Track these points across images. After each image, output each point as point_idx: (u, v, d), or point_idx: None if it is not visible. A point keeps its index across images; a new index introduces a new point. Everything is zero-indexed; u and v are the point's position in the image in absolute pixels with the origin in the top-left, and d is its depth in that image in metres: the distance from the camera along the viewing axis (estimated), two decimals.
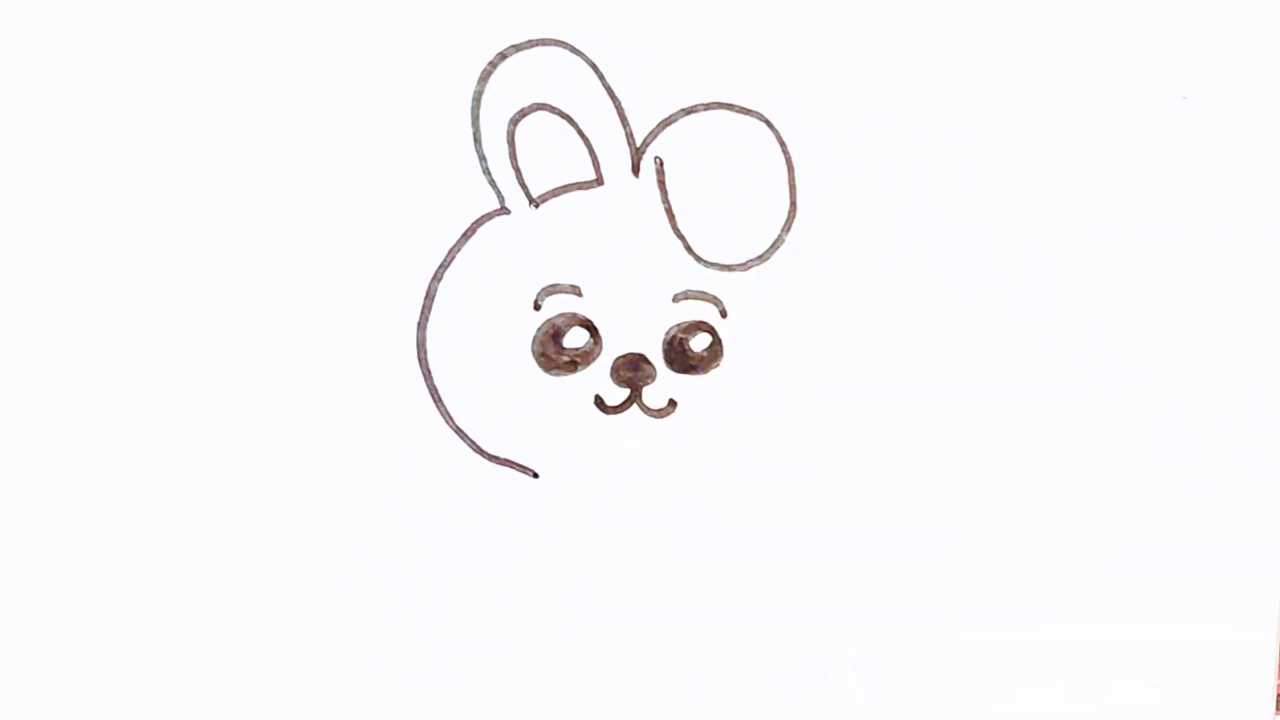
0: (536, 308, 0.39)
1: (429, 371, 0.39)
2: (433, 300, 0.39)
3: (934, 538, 0.40)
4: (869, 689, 0.40)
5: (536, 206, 0.39)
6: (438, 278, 0.39)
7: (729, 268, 0.39)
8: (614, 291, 0.39)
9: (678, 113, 0.39)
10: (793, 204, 0.39)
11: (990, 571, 0.40)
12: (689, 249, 0.39)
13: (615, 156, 0.39)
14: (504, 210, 0.39)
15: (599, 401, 0.39)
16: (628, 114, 0.39)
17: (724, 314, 0.39)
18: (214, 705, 0.39)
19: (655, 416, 0.39)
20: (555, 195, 0.39)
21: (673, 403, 0.39)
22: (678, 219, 0.39)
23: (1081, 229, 0.40)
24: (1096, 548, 0.40)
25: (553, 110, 0.39)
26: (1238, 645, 0.41)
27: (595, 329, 0.39)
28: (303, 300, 0.39)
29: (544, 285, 0.39)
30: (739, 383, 0.40)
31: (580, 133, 0.39)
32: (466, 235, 0.39)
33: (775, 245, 0.39)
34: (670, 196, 0.39)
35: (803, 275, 0.39)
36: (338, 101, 0.38)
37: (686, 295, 0.39)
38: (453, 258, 0.39)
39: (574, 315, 0.39)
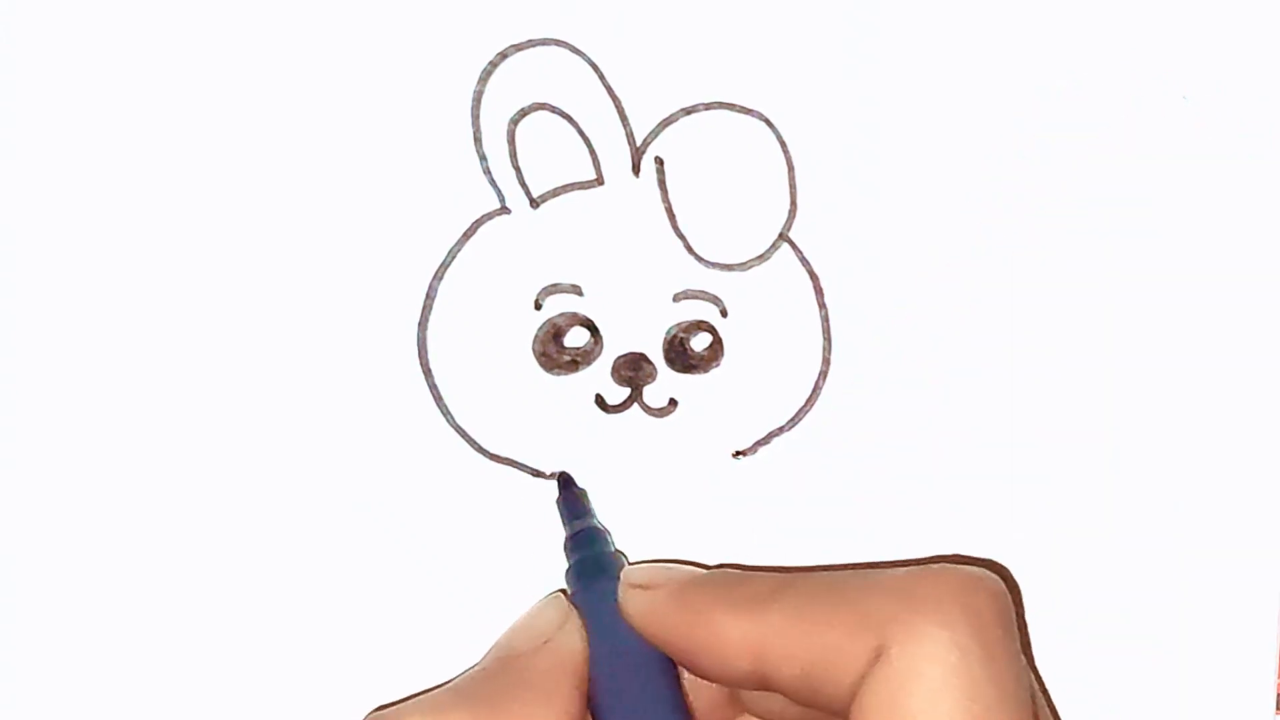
0: (537, 307, 0.39)
1: (429, 371, 0.39)
2: (433, 300, 0.39)
3: (934, 536, 0.40)
4: None
5: (536, 206, 0.39)
6: (438, 277, 0.39)
7: (729, 268, 0.39)
8: (614, 291, 0.39)
9: (678, 113, 0.39)
10: (793, 204, 0.39)
11: None
12: (689, 249, 0.39)
13: (615, 156, 0.39)
14: (504, 210, 0.39)
15: (600, 401, 0.39)
16: (628, 114, 0.39)
17: (724, 314, 0.39)
18: (211, 705, 0.39)
19: (655, 416, 0.39)
20: (555, 195, 0.39)
21: (673, 402, 0.40)
22: (678, 219, 0.39)
23: (1082, 229, 0.40)
24: (1097, 546, 0.40)
25: (553, 110, 0.39)
26: (1238, 645, 0.41)
27: (596, 328, 0.39)
28: (302, 300, 0.39)
29: (544, 285, 0.39)
30: (739, 382, 0.40)
31: (580, 133, 0.39)
32: (466, 235, 0.39)
33: (775, 245, 0.39)
34: (670, 196, 0.39)
35: (803, 275, 0.39)
36: (337, 101, 0.38)
37: (686, 295, 0.39)
38: (453, 258, 0.39)
39: (574, 315, 0.39)
